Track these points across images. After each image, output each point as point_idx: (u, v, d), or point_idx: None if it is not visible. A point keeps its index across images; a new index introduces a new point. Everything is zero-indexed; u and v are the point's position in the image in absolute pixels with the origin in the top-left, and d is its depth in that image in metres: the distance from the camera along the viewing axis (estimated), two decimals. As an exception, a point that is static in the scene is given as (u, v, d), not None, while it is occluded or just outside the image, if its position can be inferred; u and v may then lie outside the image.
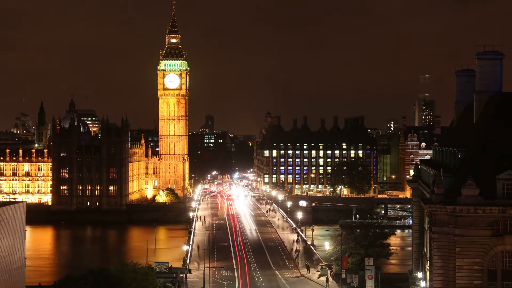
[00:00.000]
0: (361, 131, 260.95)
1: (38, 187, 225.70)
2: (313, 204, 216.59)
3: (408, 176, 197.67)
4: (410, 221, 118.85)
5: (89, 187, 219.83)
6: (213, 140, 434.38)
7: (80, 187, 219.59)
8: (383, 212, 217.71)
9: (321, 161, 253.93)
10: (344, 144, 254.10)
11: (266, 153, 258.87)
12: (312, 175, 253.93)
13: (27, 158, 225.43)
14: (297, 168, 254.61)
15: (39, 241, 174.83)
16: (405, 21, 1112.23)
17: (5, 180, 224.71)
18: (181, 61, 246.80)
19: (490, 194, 61.66)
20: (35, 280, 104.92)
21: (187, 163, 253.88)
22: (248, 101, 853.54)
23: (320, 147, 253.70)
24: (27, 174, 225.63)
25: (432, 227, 64.56)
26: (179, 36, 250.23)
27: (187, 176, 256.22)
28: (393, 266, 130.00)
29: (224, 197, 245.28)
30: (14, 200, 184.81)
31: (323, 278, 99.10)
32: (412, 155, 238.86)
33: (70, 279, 74.40)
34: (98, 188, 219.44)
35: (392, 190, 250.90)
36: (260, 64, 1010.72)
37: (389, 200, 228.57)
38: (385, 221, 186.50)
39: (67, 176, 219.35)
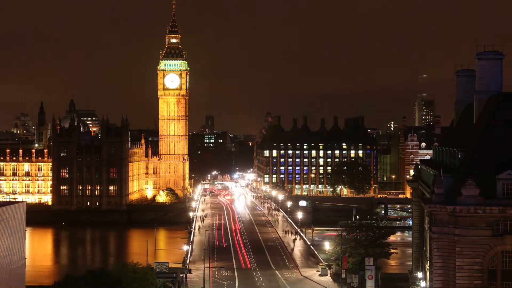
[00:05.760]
0: (361, 131, 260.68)
1: (38, 187, 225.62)
2: (313, 204, 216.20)
3: (408, 176, 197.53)
4: (410, 222, 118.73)
5: (89, 187, 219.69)
6: (213, 140, 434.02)
7: (80, 187, 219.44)
8: (383, 212, 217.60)
9: (321, 161, 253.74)
10: (344, 144, 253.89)
11: (266, 153, 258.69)
12: (312, 175, 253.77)
13: (27, 158, 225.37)
14: (297, 168, 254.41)
15: (39, 242, 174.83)
16: (405, 20, 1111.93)
17: (5, 180, 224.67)
18: (181, 61, 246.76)
19: (490, 194, 61.62)
20: (35, 281, 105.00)
21: (187, 163, 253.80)
22: (248, 101, 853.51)
23: (320, 147, 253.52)
24: (27, 174, 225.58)
25: (432, 227, 64.53)
26: (179, 36, 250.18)
27: (187, 176, 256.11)
28: (393, 266, 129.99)
29: (225, 198, 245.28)
30: (14, 200, 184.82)
31: (323, 278, 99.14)
32: (412, 155, 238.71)
33: (70, 279, 74.34)
34: (98, 188, 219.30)
35: (392, 190, 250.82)
36: (260, 63, 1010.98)
37: (389, 200, 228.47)
38: (385, 221, 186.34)
39: (67, 176, 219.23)
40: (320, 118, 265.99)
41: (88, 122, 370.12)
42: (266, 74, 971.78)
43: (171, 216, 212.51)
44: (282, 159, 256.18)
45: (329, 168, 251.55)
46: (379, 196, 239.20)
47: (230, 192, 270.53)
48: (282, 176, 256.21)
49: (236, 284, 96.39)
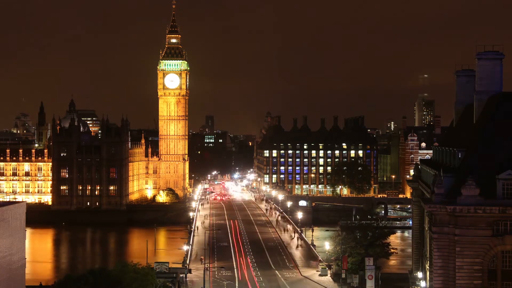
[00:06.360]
0: (361, 131, 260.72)
1: (38, 187, 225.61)
2: (313, 204, 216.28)
3: (408, 176, 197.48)
4: (410, 222, 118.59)
5: (89, 187, 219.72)
6: (213, 140, 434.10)
7: (80, 187, 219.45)
8: (383, 212, 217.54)
9: (321, 161, 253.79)
10: (344, 144, 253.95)
11: (266, 153, 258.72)
12: (312, 175, 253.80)
13: (27, 158, 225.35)
14: (297, 168, 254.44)
15: (39, 242, 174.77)
16: (405, 21, 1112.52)
17: (5, 180, 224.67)
18: (181, 61, 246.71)
19: (490, 194, 61.60)
20: (35, 281, 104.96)
21: (187, 163, 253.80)
22: (248, 101, 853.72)
23: (320, 147, 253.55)
24: (27, 174, 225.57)
25: (432, 227, 64.53)
26: (179, 36, 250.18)
27: (187, 176, 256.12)
28: (393, 266, 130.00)
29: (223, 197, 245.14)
30: (14, 200, 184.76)
31: (323, 278, 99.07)
32: (412, 155, 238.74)
33: (70, 279, 74.36)
34: (98, 188, 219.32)
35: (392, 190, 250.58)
36: (261, 63, 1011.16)
37: (389, 200, 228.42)
38: (384, 221, 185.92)
39: (67, 176, 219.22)
40: (320, 118, 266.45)
41: (88, 122, 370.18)
42: (266, 74, 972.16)
43: (171, 216, 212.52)
44: (282, 159, 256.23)
45: (329, 168, 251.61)
46: (379, 196, 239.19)
47: (229, 193, 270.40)
48: (282, 176, 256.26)
49: (236, 284, 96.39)
